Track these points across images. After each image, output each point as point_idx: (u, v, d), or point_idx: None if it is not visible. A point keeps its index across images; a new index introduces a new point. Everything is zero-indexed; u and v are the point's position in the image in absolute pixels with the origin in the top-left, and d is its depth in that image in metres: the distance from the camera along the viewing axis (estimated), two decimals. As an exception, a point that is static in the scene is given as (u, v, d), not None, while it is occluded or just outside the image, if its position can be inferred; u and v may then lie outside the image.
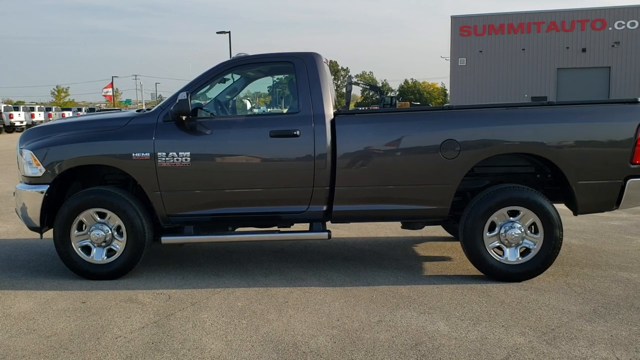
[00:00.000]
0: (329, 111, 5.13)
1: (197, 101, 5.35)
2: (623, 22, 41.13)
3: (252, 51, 5.80)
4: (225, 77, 5.65)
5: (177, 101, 4.95)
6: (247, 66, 5.66)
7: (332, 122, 5.09)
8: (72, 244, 5.18)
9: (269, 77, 6.82)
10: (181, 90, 5.18)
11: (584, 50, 41.88)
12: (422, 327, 4.03)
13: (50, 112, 49.75)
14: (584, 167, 4.97)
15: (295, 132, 5.04)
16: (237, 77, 5.93)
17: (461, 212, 5.17)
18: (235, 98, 6.17)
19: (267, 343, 3.82)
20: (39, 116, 45.82)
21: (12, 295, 4.88)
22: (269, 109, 7.90)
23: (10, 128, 42.14)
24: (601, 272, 5.31)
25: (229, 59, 5.64)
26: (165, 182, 5.09)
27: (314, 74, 5.21)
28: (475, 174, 5.33)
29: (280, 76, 6.76)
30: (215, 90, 5.77)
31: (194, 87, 5.27)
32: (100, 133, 5.23)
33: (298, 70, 5.24)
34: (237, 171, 5.11)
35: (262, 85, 7.24)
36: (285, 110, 6.43)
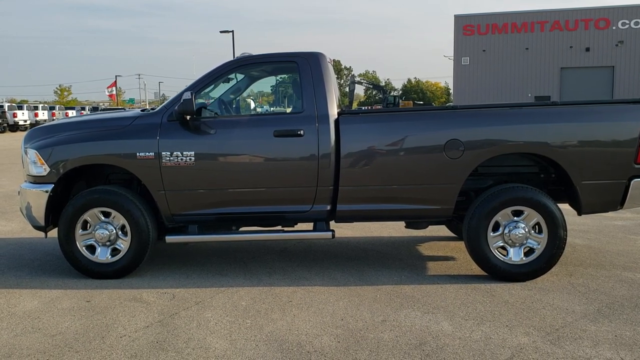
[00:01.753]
0: (333, 111, 5.13)
1: (201, 101, 5.36)
2: (627, 22, 41.02)
3: (255, 51, 5.81)
4: (229, 76, 5.66)
5: (182, 101, 4.96)
6: (251, 66, 5.67)
7: (336, 121, 5.10)
8: (77, 243, 5.19)
9: (273, 77, 6.82)
10: (185, 90, 5.19)
11: (587, 49, 41.79)
12: (426, 327, 4.03)
13: (54, 111, 49.88)
14: (588, 167, 4.96)
15: (299, 132, 5.04)
16: (240, 76, 5.93)
17: (465, 212, 5.17)
18: (239, 98, 6.18)
19: (271, 342, 3.82)
20: (42, 115, 45.97)
21: (17, 294, 4.90)
22: (272, 109, 7.92)
23: (14, 127, 42.30)
24: (605, 272, 5.30)
25: (232, 58, 5.64)
26: (170, 182, 5.10)
27: (317, 74, 5.21)
28: (479, 174, 5.33)
29: (284, 76, 6.76)
30: (219, 90, 5.78)
31: (198, 86, 5.28)
32: (105, 132, 5.24)
33: (302, 69, 5.24)
34: (241, 171, 5.12)
35: (266, 84, 7.24)
36: (289, 110, 6.44)
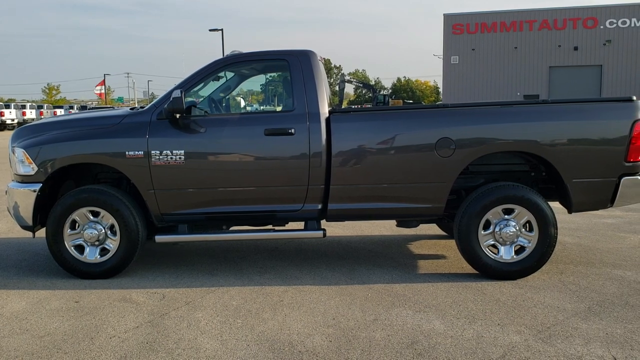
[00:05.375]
0: (324, 109, 5.11)
1: (190, 99, 5.31)
2: (614, 21, 41.34)
3: (246, 49, 5.77)
4: (219, 74, 5.62)
5: (171, 99, 4.91)
6: (241, 64, 5.63)
7: (327, 120, 5.08)
8: (65, 243, 5.14)
9: (263, 75, 6.78)
10: (175, 88, 5.15)
11: (575, 48, 42.08)
12: (418, 326, 4.02)
13: (42, 110, 49.49)
14: (578, 165, 4.97)
15: (290, 130, 5.01)
16: (230, 74, 5.89)
17: (456, 211, 5.17)
18: (229, 96, 6.14)
19: (262, 342, 3.80)
20: (30, 114, 45.64)
21: (4, 295, 4.84)
22: (262, 107, 7.88)
23: (2, 126, 41.98)
24: (595, 270, 5.32)
25: (222, 56, 5.60)
26: (159, 181, 5.05)
27: (308, 72, 5.19)
28: (470, 172, 5.33)
29: (274, 74, 6.72)
30: (209, 88, 5.74)
31: (188, 84, 5.24)
32: (94, 131, 5.19)
33: (293, 68, 5.21)
34: (232, 169, 5.08)
35: (256, 83, 7.21)
36: (279, 108, 6.41)
